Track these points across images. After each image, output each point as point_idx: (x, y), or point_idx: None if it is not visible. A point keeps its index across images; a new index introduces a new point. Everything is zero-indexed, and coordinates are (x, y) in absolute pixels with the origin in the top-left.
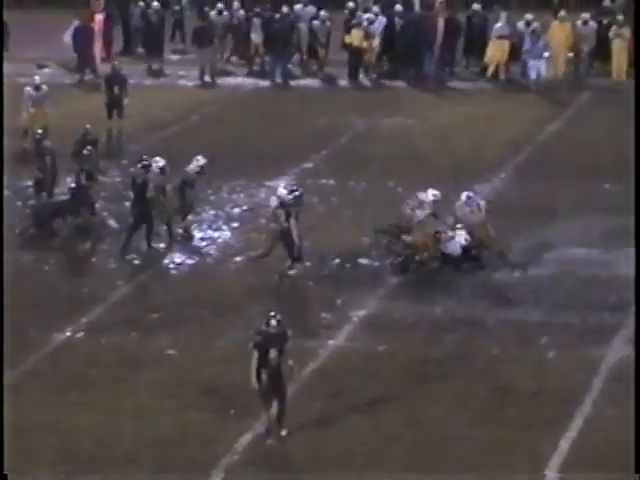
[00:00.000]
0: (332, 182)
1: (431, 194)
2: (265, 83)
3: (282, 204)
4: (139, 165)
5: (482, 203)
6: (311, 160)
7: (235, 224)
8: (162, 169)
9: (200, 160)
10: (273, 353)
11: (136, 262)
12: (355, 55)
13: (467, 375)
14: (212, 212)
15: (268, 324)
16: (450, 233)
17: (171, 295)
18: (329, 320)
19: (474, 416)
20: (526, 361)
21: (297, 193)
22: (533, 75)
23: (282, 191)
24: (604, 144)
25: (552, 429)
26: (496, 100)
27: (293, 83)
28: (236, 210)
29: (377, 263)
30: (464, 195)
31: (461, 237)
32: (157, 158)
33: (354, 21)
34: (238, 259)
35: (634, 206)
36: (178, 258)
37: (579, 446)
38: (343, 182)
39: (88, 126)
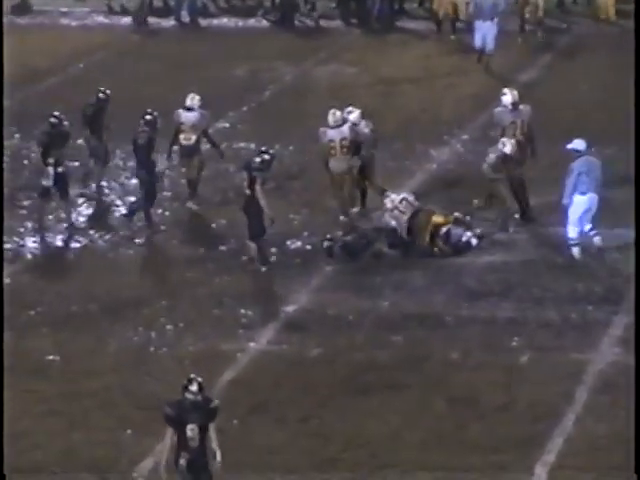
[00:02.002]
0: (253, 146)
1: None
2: (169, 22)
3: (246, 166)
4: (142, 121)
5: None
6: (227, 118)
7: (132, 198)
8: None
9: (195, 97)
10: (192, 430)
11: (8, 245)
12: None
13: (420, 385)
14: (104, 182)
15: (186, 389)
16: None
17: (53, 287)
18: (250, 317)
19: (428, 436)
20: (493, 367)
21: (266, 157)
22: (478, 42)
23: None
24: (587, 100)
25: (525, 452)
26: (456, 44)
27: (204, 22)
28: (134, 181)
29: (309, 247)
30: (508, 96)
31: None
32: (192, 94)
33: None
34: (137, 241)
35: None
36: (60, 241)
37: (559, 472)
38: (266, 145)
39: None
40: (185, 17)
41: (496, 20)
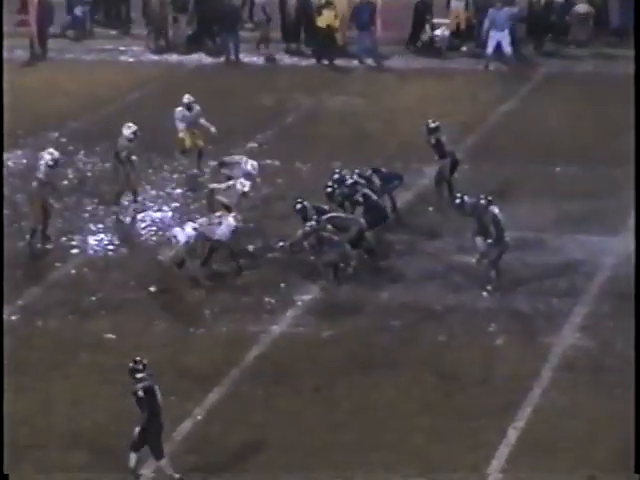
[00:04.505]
0: (277, 163)
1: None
2: (208, 59)
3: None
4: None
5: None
6: (256, 140)
7: (176, 204)
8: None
9: (132, 126)
10: None
11: (73, 242)
12: (327, 37)
13: (413, 362)
14: (153, 192)
15: None
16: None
17: (110, 277)
18: (272, 305)
19: (420, 404)
20: (474, 348)
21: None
22: (490, 49)
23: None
24: (558, 126)
25: (500, 418)
26: (447, 79)
27: (246, 60)
28: (178, 191)
29: None
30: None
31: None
32: (129, 124)
33: (324, 0)
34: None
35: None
36: (117, 239)
37: (527, 436)
38: (288, 163)
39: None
40: (232, 55)
41: (507, 31)
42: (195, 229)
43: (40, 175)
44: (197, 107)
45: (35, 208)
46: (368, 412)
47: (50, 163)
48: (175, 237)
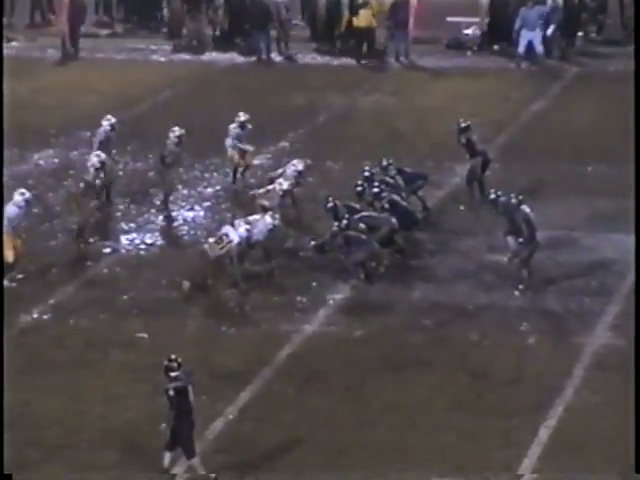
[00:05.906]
0: (308, 162)
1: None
2: (240, 59)
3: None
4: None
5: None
6: (288, 139)
7: (208, 204)
8: (179, 137)
9: (178, 130)
10: None
11: (106, 242)
12: (364, 37)
13: (445, 361)
14: (184, 191)
15: None
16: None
17: (142, 277)
18: (304, 304)
19: (452, 403)
20: (506, 347)
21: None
22: (522, 48)
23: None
24: (589, 125)
25: (532, 417)
26: (479, 78)
27: (277, 59)
28: (209, 190)
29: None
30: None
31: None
32: (176, 128)
33: (361, 0)
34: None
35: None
36: (149, 239)
37: (559, 435)
38: (320, 162)
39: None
40: (264, 54)
41: (538, 30)
42: (248, 230)
43: (88, 177)
44: (249, 127)
45: (83, 208)
46: (399, 411)
47: (97, 166)
48: (227, 235)
